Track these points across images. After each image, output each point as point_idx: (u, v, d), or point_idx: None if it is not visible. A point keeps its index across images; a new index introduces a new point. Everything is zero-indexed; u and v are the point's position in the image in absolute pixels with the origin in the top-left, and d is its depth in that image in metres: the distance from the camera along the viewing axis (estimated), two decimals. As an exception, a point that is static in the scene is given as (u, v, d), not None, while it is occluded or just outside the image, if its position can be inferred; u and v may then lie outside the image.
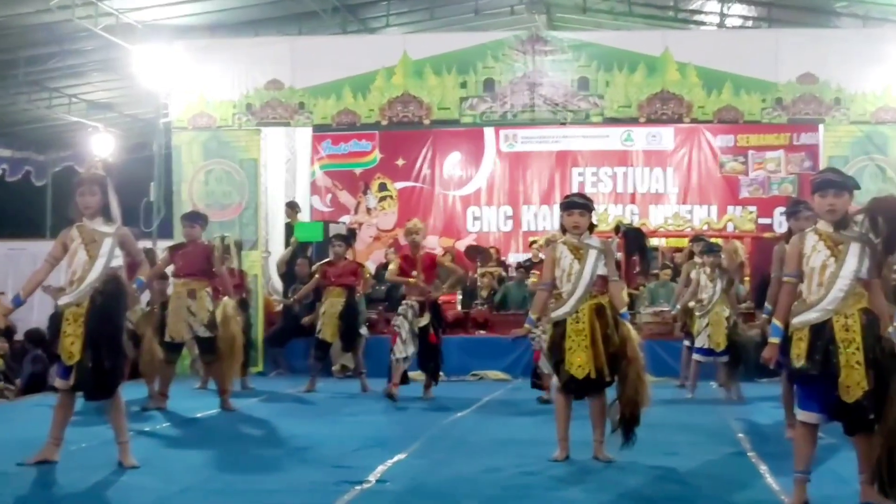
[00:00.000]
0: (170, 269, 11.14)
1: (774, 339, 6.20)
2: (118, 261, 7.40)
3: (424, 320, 11.78)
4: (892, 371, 5.93)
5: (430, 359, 12.19)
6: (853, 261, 5.96)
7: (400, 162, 19.80)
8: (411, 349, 11.83)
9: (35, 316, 12.98)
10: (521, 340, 11.66)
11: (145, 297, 10.69)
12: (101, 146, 19.77)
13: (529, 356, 14.02)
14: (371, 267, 17.50)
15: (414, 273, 11.76)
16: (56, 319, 7.47)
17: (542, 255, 12.58)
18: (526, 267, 16.79)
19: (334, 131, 18.26)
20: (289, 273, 16.00)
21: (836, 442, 7.30)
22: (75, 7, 14.64)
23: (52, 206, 20.52)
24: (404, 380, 12.02)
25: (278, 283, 16.70)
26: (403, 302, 11.99)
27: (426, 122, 16.17)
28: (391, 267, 12.90)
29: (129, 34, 15.84)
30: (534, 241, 18.14)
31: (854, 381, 5.85)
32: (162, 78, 16.05)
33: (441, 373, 12.39)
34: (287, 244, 16.93)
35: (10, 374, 12.87)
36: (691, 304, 12.36)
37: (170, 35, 16.02)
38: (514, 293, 16.76)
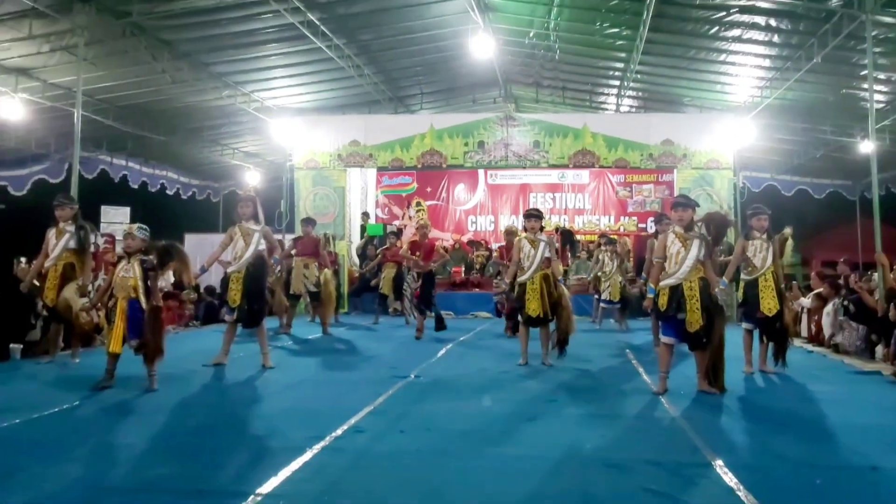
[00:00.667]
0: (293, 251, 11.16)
1: (650, 296, 6.22)
2: (262, 246, 7.43)
3: (417, 284, 10.34)
4: (716, 314, 5.96)
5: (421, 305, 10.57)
6: (695, 250, 6.00)
7: (429, 189, 19.70)
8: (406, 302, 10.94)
9: (213, 279, 12.96)
10: (500, 293, 11.68)
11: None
12: (252, 178, 19.73)
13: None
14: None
15: (417, 254, 10.24)
16: (226, 281, 7.49)
17: (502, 243, 12.63)
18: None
19: (389, 171, 18.16)
20: (363, 255, 15.95)
21: (682, 355, 7.30)
22: (237, 96, 14.63)
23: (223, 213, 20.49)
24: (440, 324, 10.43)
25: (356, 260, 16.64)
26: (410, 273, 10.78)
27: (444, 166, 16.09)
28: (403, 248, 11.50)
29: (269, 112, 15.80)
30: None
31: (695, 319, 5.91)
32: (287, 138, 16.00)
33: (429, 311, 10.45)
34: (361, 238, 16.90)
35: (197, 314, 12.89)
36: (599, 273, 12.31)
37: (292, 113, 15.97)
38: (495, 267, 16.68)
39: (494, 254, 14.88)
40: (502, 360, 7.92)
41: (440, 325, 10.49)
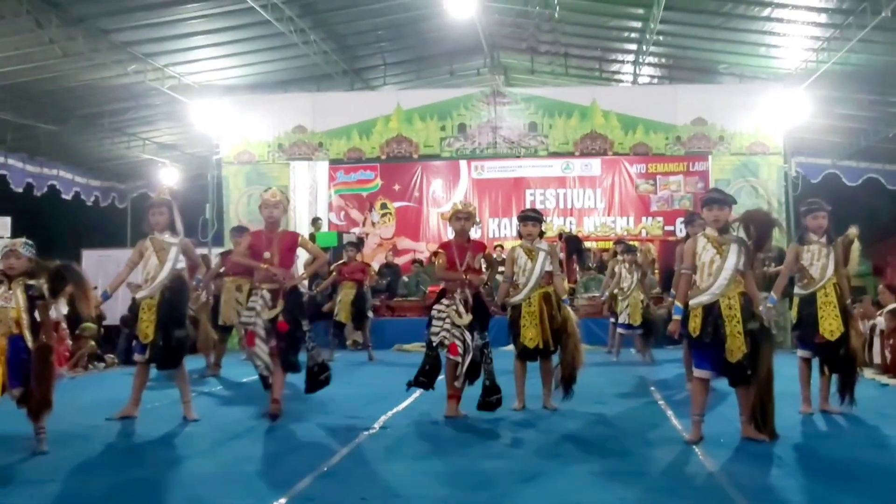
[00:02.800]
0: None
1: (677, 317, 6.26)
2: (181, 264, 7.42)
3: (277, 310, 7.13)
4: (763, 339, 6.02)
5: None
6: (733, 257, 6.05)
7: (396, 187, 19.73)
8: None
9: (119, 307, 12.90)
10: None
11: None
12: (168, 177, 19.66)
13: (497, 330, 14.04)
14: (375, 266, 17.52)
15: (266, 255, 7.18)
16: (134, 309, 7.47)
17: (503, 256, 12.49)
18: (497, 264, 16.74)
19: (345, 164, 18.20)
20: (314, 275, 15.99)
21: (723, 392, 7.34)
22: (147, 71, 14.59)
23: (131, 222, 20.38)
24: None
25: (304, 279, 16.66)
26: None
27: (415, 156, 16.21)
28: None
29: (188, 92, 15.78)
30: (497, 245, 18.19)
31: (736, 346, 5.96)
32: (213, 125, 16.01)
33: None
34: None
35: (101, 352, 12.81)
36: (615, 291, 12.37)
37: (219, 92, 15.98)
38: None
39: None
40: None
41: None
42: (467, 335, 7.08)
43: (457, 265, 7.25)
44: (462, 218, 7.45)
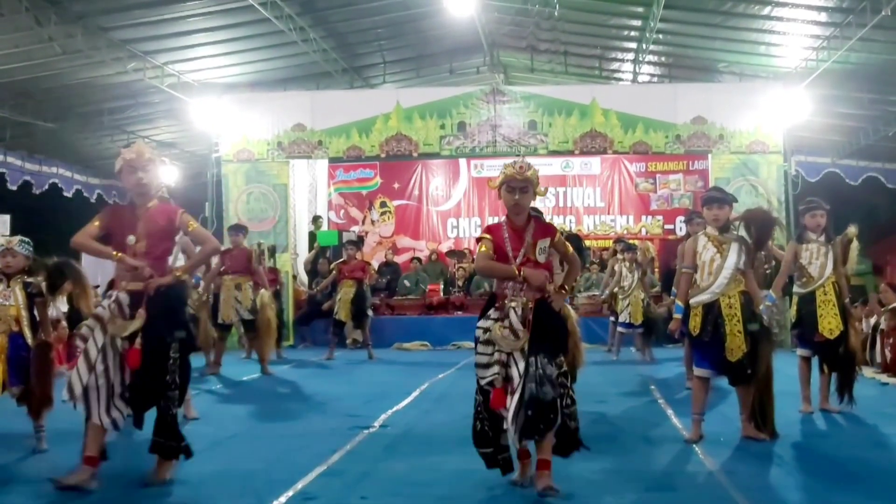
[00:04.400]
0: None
1: (677, 316, 6.28)
2: (181, 262, 7.42)
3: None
4: (763, 338, 6.04)
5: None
6: (733, 256, 6.08)
7: (396, 185, 19.72)
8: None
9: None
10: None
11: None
12: (167, 175, 19.63)
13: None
14: (375, 265, 17.55)
15: (130, 239, 5.07)
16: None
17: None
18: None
19: (345, 162, 18.19)
20: (312, 270, 16.02)
21: (724, 391, 7.36)
22: (146, 69, 14.57)
23: (131, 221, 20.38)
24: None
25: (304, 278, 16.70)
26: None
27: (415, 154, 16.20)
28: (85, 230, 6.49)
29: (188, 90, 15.77)
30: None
31: (736, 345, 5.98)
32: (213, 123, 16.00)
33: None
34: (310, 249, 16.94)
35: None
36: (615, 289, 12.37)
37: (219, 90, 15.96)
38: (486, 284, 16.78)
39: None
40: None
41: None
42: (518, 365, 4.60)
43: (508, 256, 4.86)
44: (516, 188, 4.85)
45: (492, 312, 4.83)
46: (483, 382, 4.74)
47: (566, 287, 5.11)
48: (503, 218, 4.98)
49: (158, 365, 4.95)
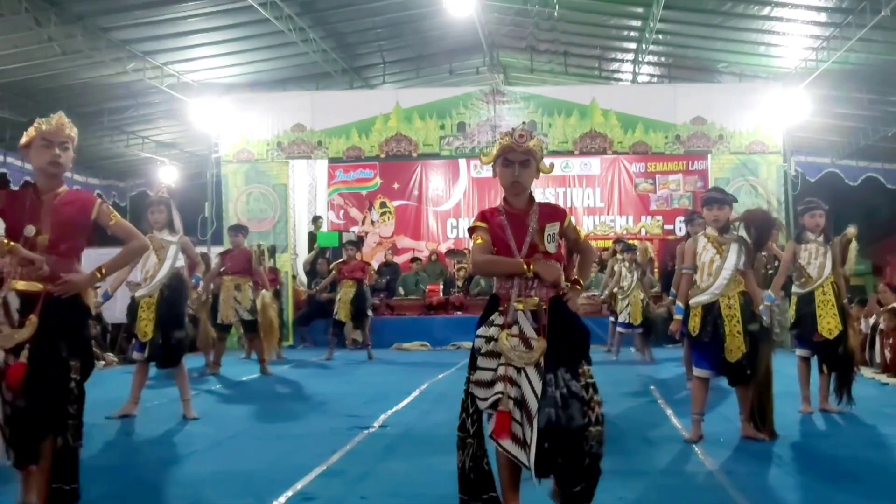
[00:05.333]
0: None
1: (678, 317, 6.30)
2: (181, 262, 7.44)
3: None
4: (762, 338, 6.05)
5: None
6: (733, 257, 6.09)
7: (396, 185, 19.73)
8: None
9: (119, 306, 12.88)
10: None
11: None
12: (167, 175, 19.65)
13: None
14: (374, 265, 17.57)
15: (28, 229, 4.07)
16: (133, 307, 7.46)
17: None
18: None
19: (345, 163, 18.20)
20: (312, 271, 16.03)
21: (723, 391, 7.37)
22: (146, 70, 14.57)
23: (130, 220, 20.28)
24: None
25: (304, 278, 16.71)
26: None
27: (414, 155, 16.22)
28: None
29: (187, 90, 15.77)
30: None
31: (735, 345, 5.99)
32: (213, 123, 16.01)
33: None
34: (310, 249, 16.95)
35: (101, 351, 12.83)
36: (615, 289, 12.37)
37: (218, 91, 15.97)
38: (483, 282, 16.80)
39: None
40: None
41: None
42: (534, 383, 3.69)
43: (511, 247, 3.91)
44: (514, 161, 3.97)
45: (495, 317, 3.87)
46: (484, 406, 3.77)
47: (580, 282, 4.12)
48: (500, 202, 4.09)
49: (53, 387, 3.89)
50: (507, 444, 3.67)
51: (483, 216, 4.03)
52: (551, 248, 3.92)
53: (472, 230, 4.03)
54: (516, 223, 3.94)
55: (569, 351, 3.76)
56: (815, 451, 5.97)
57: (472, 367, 3.86)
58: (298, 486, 4.85)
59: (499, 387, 3.70)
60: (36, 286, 3.98)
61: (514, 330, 3.78)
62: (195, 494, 4.79)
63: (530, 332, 3.77)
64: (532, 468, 3.60)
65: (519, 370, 3.71)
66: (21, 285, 4.00)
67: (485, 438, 3.84)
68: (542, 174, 4.07)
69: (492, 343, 3.81)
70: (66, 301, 4.04)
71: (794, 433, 6.43)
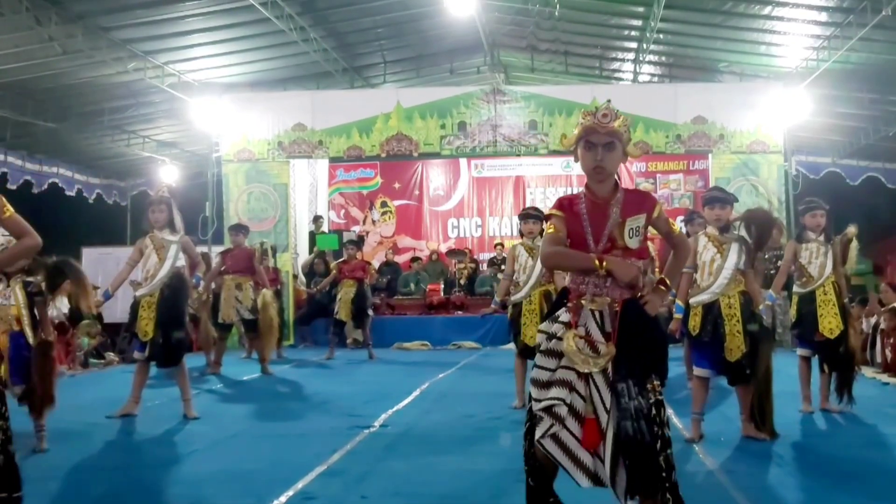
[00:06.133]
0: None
1: (678, 316, 6.30)
2: (181, 262, 7.44)
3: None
4: (762, 338, 6.05)
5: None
6: (734, 256, 6.10)
7: (396, 185, 19.74)
8: None
9: (120, 305, 12.90)
10: (489, 317, 11.75)
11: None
12: (168, 175, 19.65)
13: (497, 329, 14.11)
14: (375, 264, 17.60)
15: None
16: (135, 307, 7.47)
17: (504, 255, 12.43)
18: (497, 263, 16.93)
19: (345, 162, 18.21)
20: (310, 272, 16.05)
21: (724, 391, 7.37)
22: (147, 69, 14.57)
23: (131, 220, 20.40)
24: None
25: (304, 278, 16.74)
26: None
27: (415, 154, 16.22)
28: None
29: (188, 89, 15.77)
30: (498, 244, 18.31)
31: (735, 345, 5.99)
32: (213, 122, 16.00)
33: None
34: (311, 249, 16.98)
35: (102, 350, 12.85)
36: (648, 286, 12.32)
37: (219, 90, 15.97)
38: (484, 282, 16.83)
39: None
40: (492, 403, 7.94)
41: None
42: (602, 393, 3.35)
43: (587, 240, 3.54)
44: (598, 144, 3.60)
45: (562, 314, 3.52)
46: (538, 408, 3.40)
47: (667, 281, 3.73)
48: (582, 189, 3.70)
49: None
50: (560, 454, 3.31)
51: (560, 204, 3.65)
52: (632, 243, 3.52)
53: (547, 217, 3.65)
54: (596, 213, 3.55)
55: (638, 362, 3.37)
56: (815, 450, 5.97)
57: (535, 368, 3.53)
58: (299, 485, 4.85)
59: (557, 391, 3.35)
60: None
61: (581, 331, 3.43)
62: (196, 494, 4.80)
63: (598, 335, 3.41)
64: (611, 485, 3.26)
65: (581, 376, 3.36)
66: None
67: (552, 445, 3.37)
68: (630, 158, 3.73)
69: (553, 341, 3.47)
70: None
71: (795, 433, 6.43)
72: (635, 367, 3.34)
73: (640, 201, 3.60)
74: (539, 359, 3.49)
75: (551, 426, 3.32)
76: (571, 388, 3.34)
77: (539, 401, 3.39)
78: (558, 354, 3.42)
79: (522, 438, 3.57)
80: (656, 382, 3.37)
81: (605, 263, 3.40)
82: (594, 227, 3.52)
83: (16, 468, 3.73)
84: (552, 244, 3.53)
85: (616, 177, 3.64)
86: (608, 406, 3.30)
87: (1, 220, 3.91)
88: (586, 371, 3.34)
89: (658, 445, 3.28)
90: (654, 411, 3.30)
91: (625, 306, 3.46)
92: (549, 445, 3.32)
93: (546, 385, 3.39)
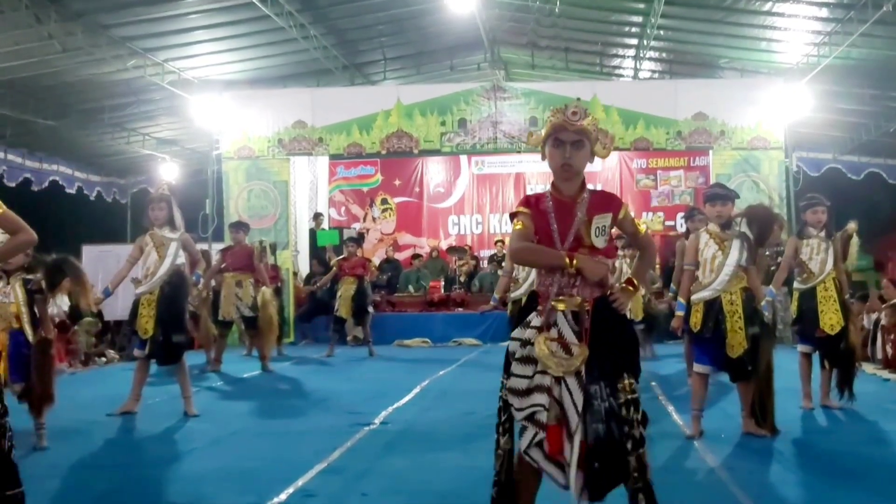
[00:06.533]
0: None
1: (680, 313, 6.30)
2: (181, 259, 7.44)
3: None
4: (764, 334, 6.05)
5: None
6: (735, 253, 6.09)
7: (397, 182, 19.76)
8: None
9: (120, 303, 12.90)
10: (489, 314, 11.75)
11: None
12: (168, 172, 19.65)
13: (497, 326, 14.11)
14: (376, 261, 17.63)
15: None
16: (135, 305, 7.47)
17: (504, 252, 12.41)
18: (498, 260, 16.94)
19: (346, 159, 18.23)
20: (309, 274, 16.09)
21: (725, 387, 7.37)
22: (146, 67, 14.56)
23: (131, 217, 20.40)
24: None
25: (303, 275, 16.78)
26: None
27: (415, 151, 16.21)
28: None
29: (188, 87, 15.76)
30: (498, 241, 18.31)
31: (737, 341, 6.00)
32: (213, 120, 16.00)
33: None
34: (311, 246, 17.04)
35: (102, 348, 12.86)
36: (616, 285, 12.33)
37: (219, 87, 15.96)
38: (485, 279, 16.84)
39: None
40: (493, 400, 7.84)
41: None
42: (574, 395, 3.32)
43: (553, 238, 3.52)
44: (566, 142, 3.53)
45: (533, 318, 3.49)
46: (520, 417, 3.37)
47: (635, 282, 3.67)
48: (548, 186, 3.67)
49: None
50: (544, 461, 3.33)
51: (527, 201, 3.62)
52: (598, 242, 3.49)
53: (513, 215, 3.61)
54: (563, 212, 3.52)
55: (610, 361, 3.37)
56: (816, 447, 5.97)
57: (507, 371, 3.49)
58: (299, 482, 4.86)
59: (537, 398, 3.32)
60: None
61: (553, 333, 3.39)
62: (196, 491, 4.80)
63: (570, 336, 3.37)
64: (573, 488, 3.27)
65: (557, 379, 3.33)
66: None
67: (515, 451, 3.48)
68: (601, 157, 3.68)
69: (527, 347, 3.42)
70: None
71: (796, 429, 6.43)
72: (607, 366, 3.35)
73: (607, 201, 3.59)
74: (515, 367, 3.43)
75: (535, 434, 3.31)
76: (550, 393, 3.32)
77: (521, 409, 3.35)
78: (534, 360, 3.37)
79: (493, 454, 3.57)
80: (629, 381, 3.38)
81: (575, 261, 3.37)
82: (560, 225, 3.50)
83: (14, 465, 3.70)
84: (521, 240, 3.51)
85: (583, 175, 3.62)
86: (580, 408, 3.28)
87: None
88: (559, 374, 3.31)
89: (629, 445, 3.31)
90: (624, 411, 3.32)
91: (596, 305, 3.46)
92: (536, 454, 3.33)
93: (525, 393, 3.36)
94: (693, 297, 6.19)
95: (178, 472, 5.34)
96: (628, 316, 4.10)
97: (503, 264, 13.57)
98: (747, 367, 5.99)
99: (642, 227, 3.78)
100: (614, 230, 3.59)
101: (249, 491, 4.70)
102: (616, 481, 3.32)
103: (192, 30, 13.90)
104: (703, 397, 6.21)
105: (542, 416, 3.29)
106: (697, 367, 6.23)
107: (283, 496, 4.57)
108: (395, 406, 7.70)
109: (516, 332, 3.51)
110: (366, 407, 7.62)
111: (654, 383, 9.12)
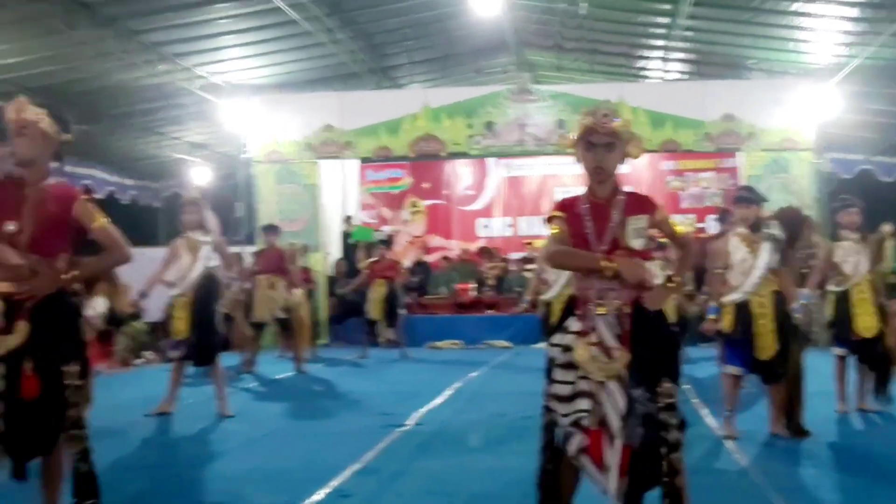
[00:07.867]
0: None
1: (712, 316, 6.30)
2: (214, 261, 7.51)
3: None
4: (794, 337, 6.04)
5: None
6: (765, 255, 6.09)
7: (426, 185, 19.76)
8: None
9: (155, 304, 13.03)
10: (520, 315, 11.73)
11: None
12: (199, 176, 19.77)
13: (528, 329, 14.08)
14: (406, 264, 17.65)
15: (10, 226, 3.55)
16: (168, 307, 7.55)
17: (534, 253, 12.38)
18: (527, 262, 16.91)
19: (374, 162, 18.26)
20: (333, 277, 16.13)
21: (755, 390, 7.34)
22: (176, 72, 14.68)
23: (164, 221, 20.58)
24: None
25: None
26: None
27: (443, 154, 16.23)
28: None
29: (217, 91, 15.86)
30: (528, 243, 18.25)
31: (767, 343, 6.00)
32: (243, 124, 16.09)
33: None
34: (343, 249, 17.08)
35: (141, 349, 12.99)
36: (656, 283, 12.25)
37: (248, 92, 16.05)
38: (514, 281, 16.80)
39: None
40: (525, 402, 7.89)
41: None
42: (617, 400, 3.30)
43: (589, 241, 3.50)
44: (598, 144, 3.49)
45: (571, 323, 3.47)
46: (565, 423, 3.31)
47: (674, 280, 3.67)
48: (577, 189, 3.66)
49: (51, 395, 3.52)
50: (591, 467, 3.29)
51: (562, 205, 3.62)
52: (636, 244, 3.46)
53: (549, 220, 3.60)
54: (598, 214, 3.50)
55: (649, 365, 3.33)
56: (852, 450, 5.93)
57: (549, 378, 3.45)
58: (334, 483, 4.89)
59: (580, 403, 3.30)
60: (19, 289, 3.50)
61: (593, 338, 3.36)
62: (231, 491, 4.84)
63: (611, 340, 3.35)
64: (614, 494, 3.24)
65: (600, 384, 3.30)
66: (3, 287, 3.51)
67: (567, 455, 3.38)
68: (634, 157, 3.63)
69: (568, 353, 3.38)
70: (55, 303, 3.59)
71: (832, 432, 6.40)
72: (646, 370, 3.32)
73: (642, 203, 3.58)
74: (557, 373, 3.41)
75: (581, 440, 3.29)
76: (594, 398, 3.30)
77: (567, 415, 3.32)
78: (576, 366, 3.36)
79: (540, 455, 3.52)
80: (667, 384, 3.35)
81: (612, 263, 3.35)
82: (596, 228, 3.49)
83: (91, 472, 3.81)
84: (557, 243, 3.53)
85: (615, 177, 3.59)
86: (622, 413, 3.27)
87: (91, 229, 3.70)
88: (601, 378, 3.29)
89: (664, 450, 3.29)
90: (661, 415, 3.30)
91: (635, 308, 3.42)
92: (584, 461, 3.30)
93: (570, 399, 3.34)
94: (724, 300, 6.18)
95: (213, 473, 5.39)
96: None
97: (531, 266, 13.57)
98: (777, 369, 5.98)
99: (679, 229, 3.75)
100: (654, 231, 3.58)
101: (283, 491, 4.74)
102: (650, 485, 3.33)
103: (220, 35, 13.99)
104: (735, 398, 6.21)
105: (587, 422, 3.28)
106: (728, 369, 6.23)
107: (316, 496, 4.61)
108: (427, 407, 7.73)
109: (556, 338, 3.48)
110: (399, 408, 7.65)
111: (687, 386, 9.08)
